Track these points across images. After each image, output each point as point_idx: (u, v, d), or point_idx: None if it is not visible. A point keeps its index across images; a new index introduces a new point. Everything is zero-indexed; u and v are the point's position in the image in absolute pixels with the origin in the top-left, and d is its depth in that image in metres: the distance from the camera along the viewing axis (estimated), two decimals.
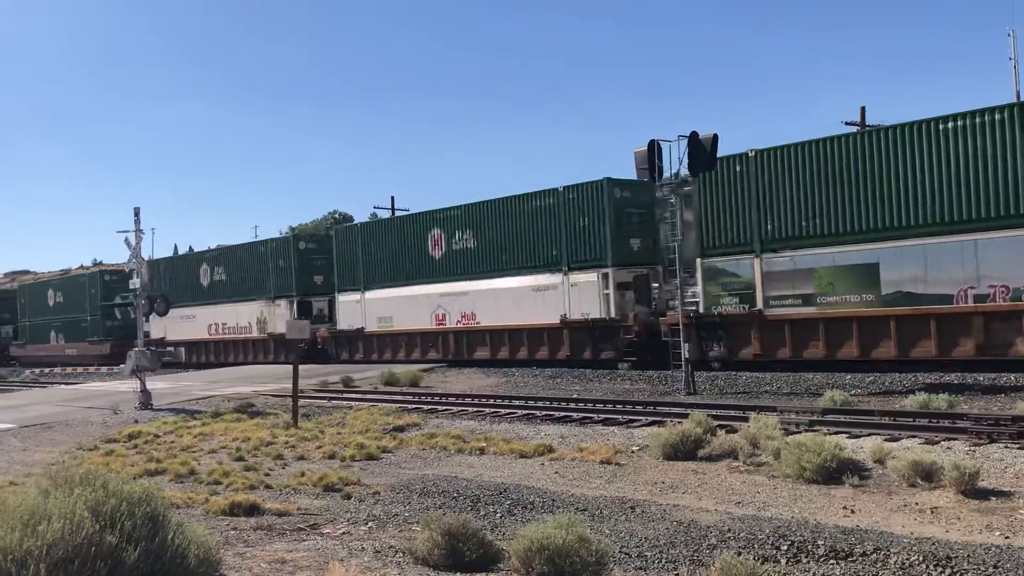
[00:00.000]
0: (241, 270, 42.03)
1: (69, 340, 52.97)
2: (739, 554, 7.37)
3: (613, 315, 26.62)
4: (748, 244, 22.79)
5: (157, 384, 26.05)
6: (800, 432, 13.20)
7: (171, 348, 41.60)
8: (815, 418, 14.63)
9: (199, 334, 44.01)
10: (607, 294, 26.91)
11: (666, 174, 21.05)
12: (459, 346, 31.21)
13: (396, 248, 34.22)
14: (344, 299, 36.31)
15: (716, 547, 8.43)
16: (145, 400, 22.92)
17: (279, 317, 38.21)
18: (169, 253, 63.00)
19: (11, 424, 21.14)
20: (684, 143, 20.50)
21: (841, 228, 21.19)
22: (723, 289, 23.46)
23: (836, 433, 13.11)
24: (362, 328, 35.15)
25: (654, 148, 20.51)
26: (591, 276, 27.31)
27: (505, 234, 29.90)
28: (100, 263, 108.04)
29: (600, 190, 27.08)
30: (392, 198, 52.71)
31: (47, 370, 48.21)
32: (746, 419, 13.99)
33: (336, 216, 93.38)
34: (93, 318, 50.56)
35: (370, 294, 35.01)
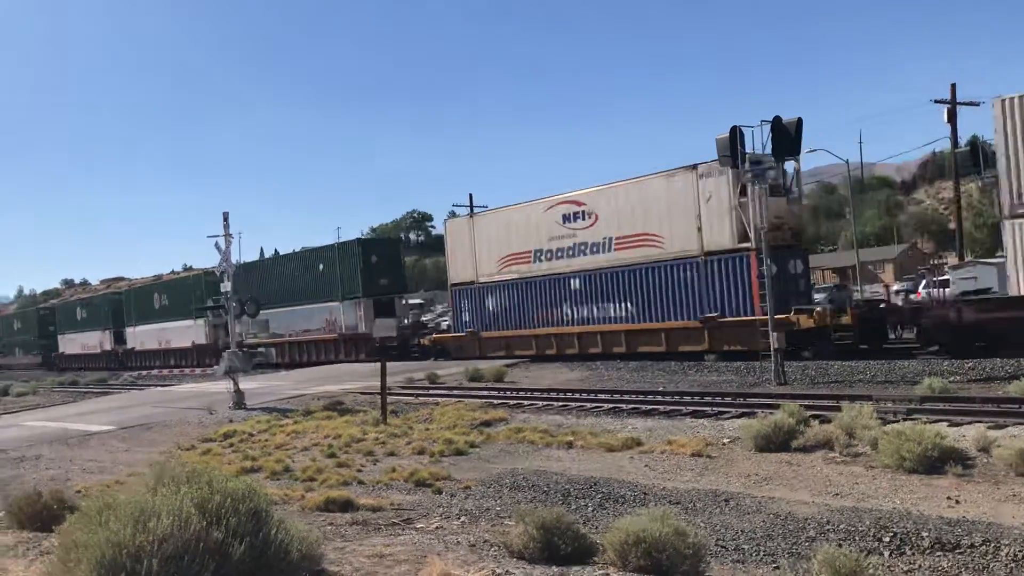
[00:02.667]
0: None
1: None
2: (840, 546, 7.19)
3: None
4: None
5: (249, 384, 26.72)
6: (898, 421, 12.83)
7: (262, 349, 42.51)
8: (913, 406, 14.17)
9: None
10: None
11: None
12: None
13: None
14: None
15: (815, 540, 8.25)
16: (238, 400, 23.53)
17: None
18: (256, 256, 64.59)
19: (112, 426, 21.96)
20: (767, 129, 20.10)
21: None
22: None
23: (936, 421, 12.66)
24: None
25: (736, 134, 20.14)
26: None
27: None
28: (191, 268, 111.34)
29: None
30: (470, 195, 53.05)
31: (144, 372, 49.95)
32: (840, 409, 13.63)
33: (415, 215, 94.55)
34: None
35: None
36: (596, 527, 8.99)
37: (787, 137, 20.01)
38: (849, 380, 19.58)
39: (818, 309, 23.55)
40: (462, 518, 9.87)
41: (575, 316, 30.26)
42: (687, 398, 18.37)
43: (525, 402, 20.07)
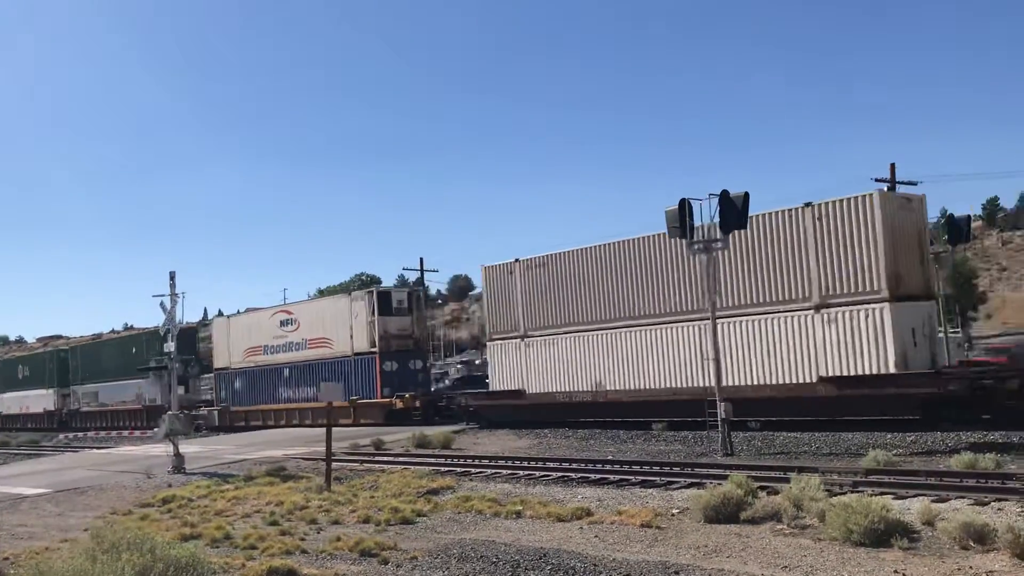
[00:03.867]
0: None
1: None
2: None
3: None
4: None
5: (190, 448, 26.08)
6: (844, 493, 12.93)
7: (203, 411, 41.98)
8: (859, 478, 14.34)
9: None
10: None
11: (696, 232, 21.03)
12: None
13: None
14: None
15: None
16: (178, 464, 22.92)
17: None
18: (199, 317, 63.78)
19: (46, 489, 21.20)
20: (715, 202, 20.54)
21: None
22: None
23: (882, 494, 12.78)
24: None
25: (685, 207, 20.55)
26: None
27: None
28: (131, 327, 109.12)
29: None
30: (421, 259, 53.05)
31: (79, 435, 48.47)
32: (787, 480, 13.72)
33: (364, 278, 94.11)
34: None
35: None
36: None
37: (734, 210, 20.45)
38: (795, 452, 19.75)
39: (409, 394, 34.91)
40: None
41: (287, 396, 40.75)
42: (636, 467, 18.35)
43: (473, 470, 19.84)
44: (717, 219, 20.59)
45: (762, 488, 13.85)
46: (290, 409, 39.92)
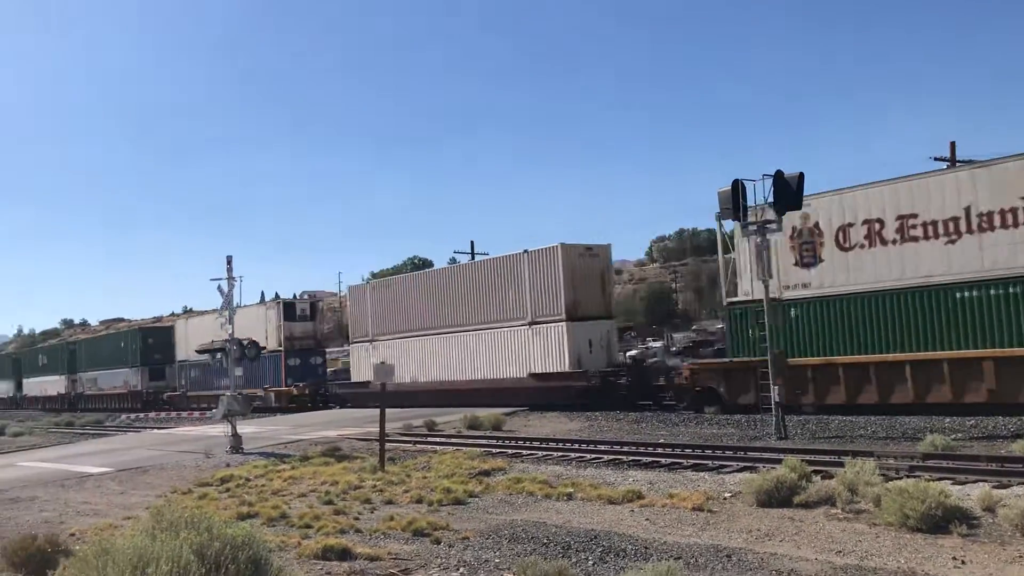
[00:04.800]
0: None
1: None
2: None
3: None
4: None
5: (247, 428, 26.57)
6: (900, 478, 12.72)
7: (260, 392, 42.73)
8: (916, 463, 14.08)
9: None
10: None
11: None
12: None
13: None
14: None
15: None
16: (236, 444, 23.38)
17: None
18: (256, 300, 64.75)
19: (108, 468, 21.80)
20: (768, 183, 20.22)
21: None
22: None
23: (940, 479, 12.56)
24: None
25: (738, 188, 20.26)
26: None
27: None
28: (190, 310, 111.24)
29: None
30: (472, 242, 53.28)
31: (140, 416, 49.75)
32: (842, 464, 13.52)
33: (416, 261, 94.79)
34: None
35: None
36: None
37: (788, 191, 20.10)
38: (850, 435, 19.47)
39: (302, 384, 42.08)
40: (461, 569, 9.77)
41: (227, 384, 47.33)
42: (688, 451, 18.26)
43: (524, 452, 19.93)
44: (771, 200, 20.26)
45: (816, 472, 13.70)
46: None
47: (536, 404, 30.24)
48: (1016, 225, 20.17)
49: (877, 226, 22.62)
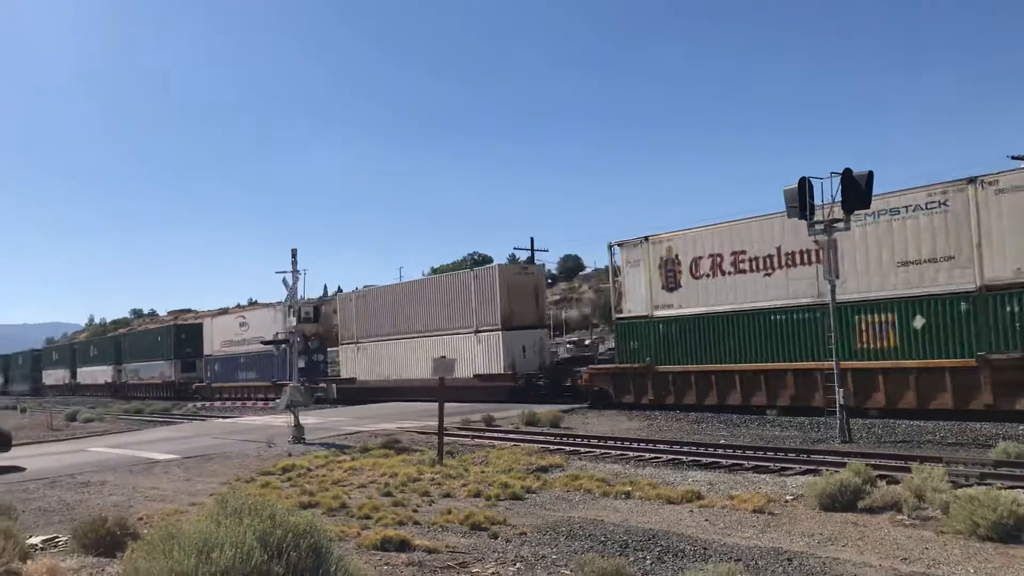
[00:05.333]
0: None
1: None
2: None
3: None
4: None
5: (309, 419, 26.98)
6: (970, 485, 12.36)
7: (322, 384, 43.48)
8: (987, 470, 13.67)
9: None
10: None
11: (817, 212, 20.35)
12: None
13: None
14: None
15: None
16: (298, 434, 23.76)
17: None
18: (319, 293, 65.94)
19: (175, 455, 22.33)
20: (836, 180, 19.80)
21: None
22: None
23: (1012, 487, 12.20)
24: None
25: (805, 186, 19.89)
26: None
27: None
28: (255, 301, 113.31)
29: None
30: (532, 239, 53.29)
31: (206, 404, 50.94)
32: (909, 470, 13.22)
33: (475, 257, 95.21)
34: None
35: None
36: None
37: (857, 190, 19.67)
38: (918, 440, 19.01)
39: (306, 379, 42.97)
40: (518, 564, 9.77)
41: (243, 377, 53.33)
42: (749, 452, 18.02)
43: (582, 449, 19.88)
44: (839, 198, 19.85)
45: (881, 477, 13.42)
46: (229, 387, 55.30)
47: (479, 399, 34.16)
48: (810, 263, 24.77)
49: (719, 259, 27.48)
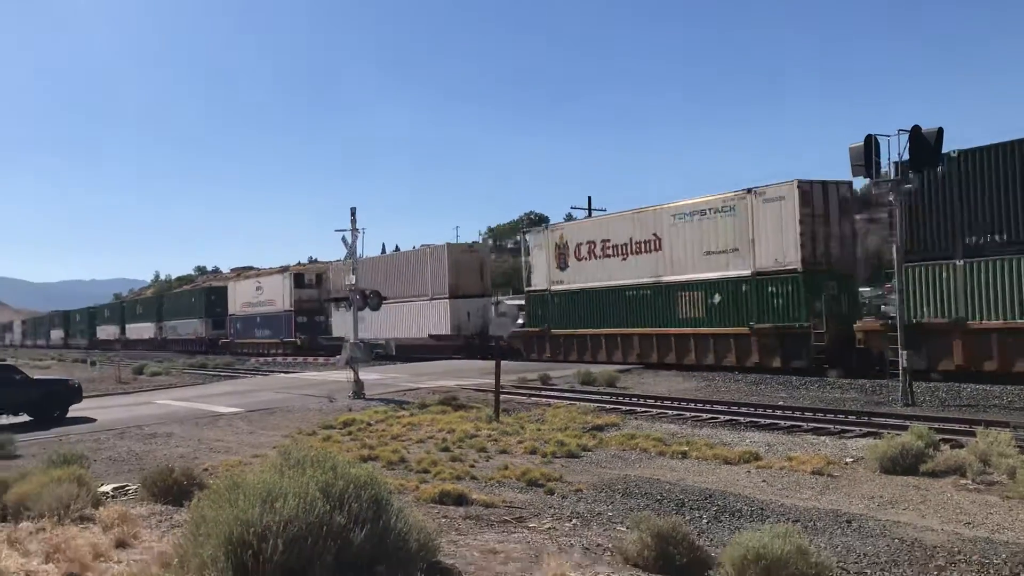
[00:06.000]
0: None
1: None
2: None
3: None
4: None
5: (368, 375, 27.38)
6: None
7: (383, 341, 44.21)
8: None
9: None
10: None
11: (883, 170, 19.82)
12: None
13: None
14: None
15: (944, 569, 7.87)
16: (358, 390, 24.15)
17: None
18: (377, 252, 66.62)
19: (239, 408, 22.88)
20: (904, 138, 19.25)
21: None
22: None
23: None
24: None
25: (871, 144, 19.38)
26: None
27: None
28: (315, 260, 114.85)
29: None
30: (589, 198, 52.91)
31: (268, 359, 52.15)
32: (973, 434, 12.97)
33: (532, 216, 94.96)
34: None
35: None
36: (711, 540, 8.81)
37: (926, 147, 19.11)
38: (983, 404, 18.61)
39: (305, 336, 54.42)
40: (574, 520, 9.84)
41: (259, 334, 62.04)
42: (808, 414, 17.85)
43: (638, 409, 19.87)
44: (906, 157, 19.32)
45: (945, 441, 13.20)
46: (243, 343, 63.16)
47: (432, 355, 41.05)
48: (652, 251, 31.48)
49: (594, 246, 34.36)
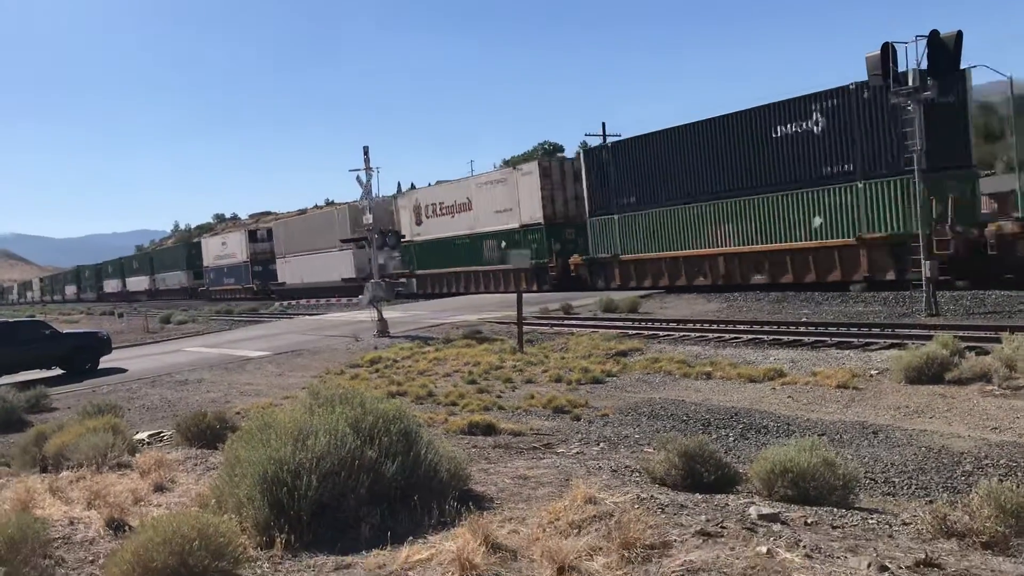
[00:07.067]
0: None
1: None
2: (1001, 482, 6.86)
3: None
4: None
5: (391, 314, 27.56)
6: None
7: (403, 279, 44.53)
8: None
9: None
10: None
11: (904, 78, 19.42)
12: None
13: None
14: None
15: (971, 474, 7.93)
16: (382, 328, 24.34)
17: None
18: (393, 191, 66.66)
19: (266, 352, 23.15)
20: (922, 44, 18.81)
21: None
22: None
23: None
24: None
25: (888, 51, 18.94)
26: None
27: None
28: (332, 202, 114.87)
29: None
30: (603, 124, 52.31)
31: (291, 303, 52.60)
32: (999, 340, 12.93)
33: (547, 146, 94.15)
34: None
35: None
36: (738, 457, 8.91)
37: (946, 53, 18.68)
38: (1008, 311, 18.51)
39: (259, 283, 64.28)
40: (601, 444, 9.97)
41: (227, 282, 71.26)
42: (832, 329, 17.82)
43: (661, 333, 19.92)
44: (925, 64, 18.90)
45: (970, 348, 13.16)
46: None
47: (343, 296, 47.85)
48: (467, 211, 42.25)
49: (436, 207, 44.81)
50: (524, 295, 21.13)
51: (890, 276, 23.76)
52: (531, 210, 37.01)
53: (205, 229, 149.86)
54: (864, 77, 20.32)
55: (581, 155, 35.96)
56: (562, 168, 37.63)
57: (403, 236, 40.94)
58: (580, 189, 35.81)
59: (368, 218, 25.39)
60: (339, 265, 51.41)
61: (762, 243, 27.35)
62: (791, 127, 26.36)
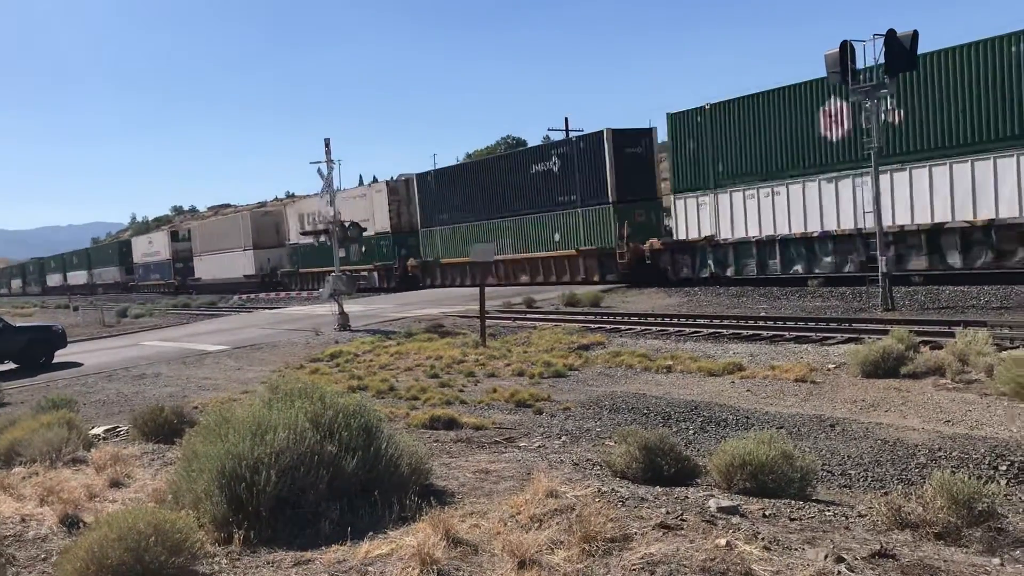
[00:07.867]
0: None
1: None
2: (953, 473, 6.99)
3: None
4: None
5: (353, 307, 27.40)
6: (1016, 347, 12.32)
7: (364, 273, 44.16)
8: None
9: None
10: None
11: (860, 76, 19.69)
12: None
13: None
14: None
15: (926, 466, 8.07)
16: (343, 322, 24.18)
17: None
18: (355, 183, 66.40)
19: (225, 346, 22.89)
20: (879, 43, 19.06)
21: None
22: None
23: None
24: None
25: (846, 49, 19.20)
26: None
27: None
28: (292, 195, 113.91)
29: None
30: (566, 119, 52.41)
31: (251, 296, 52.16)
32: (952, 335, 13.18)
33: (509, 140, 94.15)
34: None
35: None
36: (698, 450, 8.98)
37: (902, 52, 18.95)
38: (961, 306, 18.86)
39: (177, 278, 69.08)
40: (563, 438, 9.99)
41: (152, 278, 74.79)
42: (790, 323, 18.05)
43: (622, 327, 20.03)
44: (882, 62, 19.17)
45: (924, 343, 13.39)
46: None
47: (247, 291, 54.52)
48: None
49: (316, 216, 38.91)
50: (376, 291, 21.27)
51: (596, 277, 32.32)
52: (382, 221, 44.81)
53: (163, 221, 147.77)
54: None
55: (414, 178, 44.52)
56: (407, 187, 45.24)
57: (294, 242, 50.60)
58: (415, 204, 44.39)
59: (330, 210, 25.20)
60: (243, 263, 58.89)
61: (525, 252, 36.45)
62: (540, 166, 35.51)
